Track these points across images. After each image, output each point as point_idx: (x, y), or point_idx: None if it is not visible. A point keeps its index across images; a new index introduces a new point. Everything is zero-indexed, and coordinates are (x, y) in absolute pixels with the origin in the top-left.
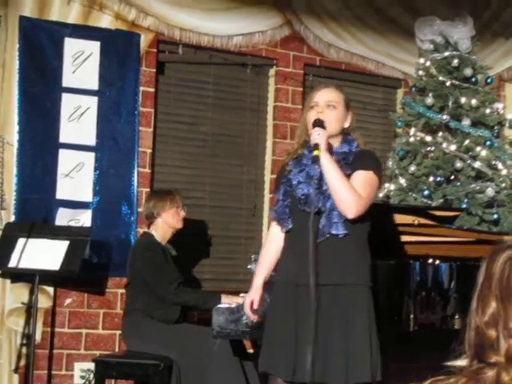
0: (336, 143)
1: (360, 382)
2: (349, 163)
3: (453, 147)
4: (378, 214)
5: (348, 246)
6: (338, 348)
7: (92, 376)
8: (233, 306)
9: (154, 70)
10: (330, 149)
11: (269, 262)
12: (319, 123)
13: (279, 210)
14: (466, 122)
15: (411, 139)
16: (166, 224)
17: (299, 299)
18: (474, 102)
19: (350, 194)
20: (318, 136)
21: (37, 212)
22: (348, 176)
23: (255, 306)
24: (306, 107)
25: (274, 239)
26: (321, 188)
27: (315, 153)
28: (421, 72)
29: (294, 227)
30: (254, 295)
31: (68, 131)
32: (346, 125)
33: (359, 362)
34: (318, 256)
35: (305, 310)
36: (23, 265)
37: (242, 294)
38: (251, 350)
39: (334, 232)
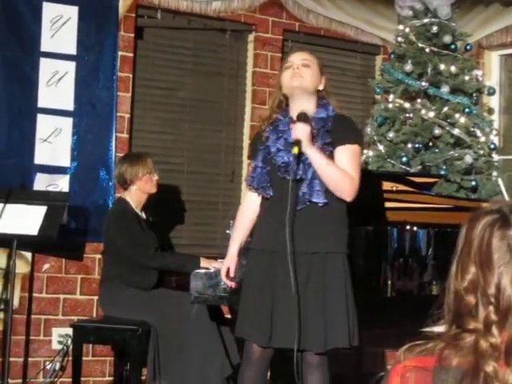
0: (311, 107)
1: (338, 346)
2: (328, 130)
3: (431, 114)
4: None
5: (327, 215)
6: (315, 314)
7: (70, 341)
8: (211, 270)
9: (133, 35)
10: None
11: (244, 229)
12: (304, 117)
13: (259, 178)
14: (445, 88)
15: (390, 106)
16: (140, 191)
17: (276, 266)
18: (453, 69)
19: (344, 181)
20: (300, 131)
21: (15, 177)
22: (328, 144)
23: (231, 274)
24: (282, 71)
25: (250, 206)
26: (301, 157)
27: (295, 150)
28: (400, 39)
29: (273, 194)
30: (229, 262)
31: (46, 96)
32: (321, 87)
33: (337, 327)
34: (297, 223)
35: (281, 277)
36: (1, 230)
37: (219, 260)
38: (229, 316)
39: (314, 200)
